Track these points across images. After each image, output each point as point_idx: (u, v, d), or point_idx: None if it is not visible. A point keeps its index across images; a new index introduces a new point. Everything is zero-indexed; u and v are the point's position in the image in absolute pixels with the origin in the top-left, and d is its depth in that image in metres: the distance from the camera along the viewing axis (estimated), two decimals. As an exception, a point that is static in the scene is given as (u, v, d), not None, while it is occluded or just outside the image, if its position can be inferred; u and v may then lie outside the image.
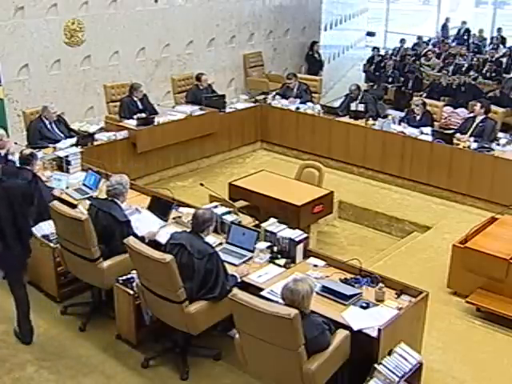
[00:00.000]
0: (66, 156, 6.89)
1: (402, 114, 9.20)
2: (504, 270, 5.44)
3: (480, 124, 8.23)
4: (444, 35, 17.65)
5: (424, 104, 8.78)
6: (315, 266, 4.92)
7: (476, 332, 5.37)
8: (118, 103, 8.85)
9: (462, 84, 11.67)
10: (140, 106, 8.76)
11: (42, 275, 5.71)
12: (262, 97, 10.06)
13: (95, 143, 7.79)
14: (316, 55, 13.58)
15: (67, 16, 9.21)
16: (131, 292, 4.87)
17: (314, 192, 6.68)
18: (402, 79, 12.88)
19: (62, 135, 7.77)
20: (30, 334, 5.10)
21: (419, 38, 16.65)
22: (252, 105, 9.81)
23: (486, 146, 7.80)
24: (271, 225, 5.25)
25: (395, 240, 7.32)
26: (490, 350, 5.11)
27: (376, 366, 4.06)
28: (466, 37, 17.14)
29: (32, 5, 8.79)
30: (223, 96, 9.56)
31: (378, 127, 8.57)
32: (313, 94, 10.24)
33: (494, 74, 12.91)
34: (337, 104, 10.32)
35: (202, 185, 6.50)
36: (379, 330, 4.06)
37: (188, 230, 4.83)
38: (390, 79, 13.05)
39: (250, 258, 5.06)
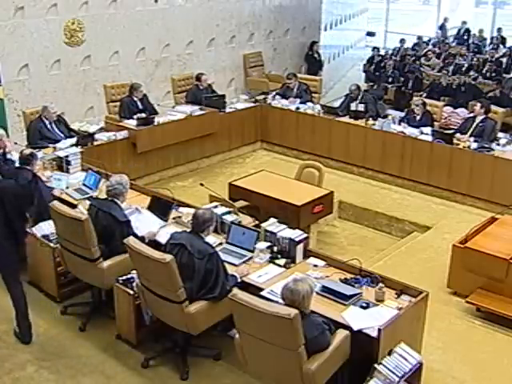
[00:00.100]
0: (66, 156, 6.89)
1: (402, 114, 9.20)
2: (504, 270, 5.44)
3: (480, 124, 8.23)
4: (442, 35, 17.65)
5: (424, 104, 8.78)
6: (315, 265, 4.92)
7: (476, 332, 5.37)
8: (118, 103, 8.85)
9: (462, 84, 11.67)
10: (140, 106, 8.76)
11: (42, 275, 5.72)
12: (262, 97, 10.06)
13: (95, 143, 7.79)
14: (316, 55, 13.58)
15: (67, 16, 9.21)
16: (131, 292, 4.87)
17: (314, 192, 6.68)
18: (402, 79, 12.88)
19: (62, 135, 7.77)
20: (29, 332, 5.10)
21: (419, 38, 16.64)
22: (252, 105, 9.81)
23: (486, 145, 7.80)
24: (271, 225, 5.25)
25: (395, 240, 7.32)
26: (490, 350, 5.11)
27: (376, 366, 4.06)
28: (466, 37, 17.13)
29: (32, 5, 8.80)
30: (223, 96, 9.56)
31: (378, 127, 8.57)
32: (313, 94, 10.24)
33: (493, 74, 12.90)
34: (337, 104, 10.32)
35: (202, 185, 6.50)
36: (379, 330, 4.06)
37: (188, 230, 4.83)
38: (390, 79, 13.05)
39: (250, 258, 5.06)
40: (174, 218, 5.72)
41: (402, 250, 6.82)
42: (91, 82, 9.70)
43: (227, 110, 9.41)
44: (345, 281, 4.66)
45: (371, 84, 13.68)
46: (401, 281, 4.64)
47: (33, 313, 5.32)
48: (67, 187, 6.43)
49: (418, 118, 8.65)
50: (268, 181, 7.03)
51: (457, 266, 5.76)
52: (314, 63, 13.52)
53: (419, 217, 7.51)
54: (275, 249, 5.08)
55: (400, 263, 6.43)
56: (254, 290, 4.58)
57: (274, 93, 10.27)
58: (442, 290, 5.83)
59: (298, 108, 9.48)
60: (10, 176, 5.88)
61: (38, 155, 6.19)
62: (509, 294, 5.47)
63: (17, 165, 6.10)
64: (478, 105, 8.34)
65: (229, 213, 5.60)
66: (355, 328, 4.13)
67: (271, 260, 5.02)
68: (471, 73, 12.94)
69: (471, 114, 8.63)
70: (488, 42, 16.66)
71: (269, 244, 5.12)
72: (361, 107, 9.14)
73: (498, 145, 7.89)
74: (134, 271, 4.85)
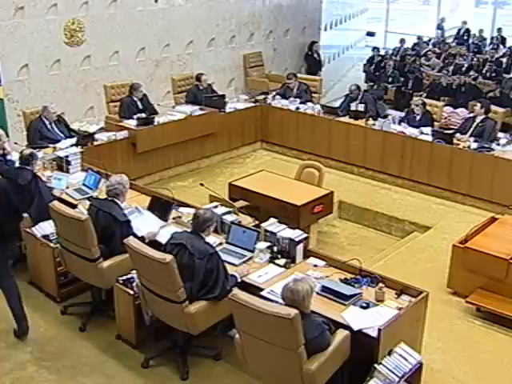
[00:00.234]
0: (66, 156, 6.89)
1: (402, 114, 9.20)
2: (504, 270, 5.44)
3: (480, 124, 8.23)
4: (439, 35, 17.67)
5: (424, 104, 8.78)
6: (315, 265, 4.92)
7: (476, 332, 5.37)
8: (118, 103, 8.85)
9: (462, 84, 11.67)
10: (140, 106, 8.76)
11: (42, 275, 5.72)
12: (262, 97, 10.05)
13: (95, 143, 7.78)
14: (315, 55, 13.58)
15: (67, 16, 9.22)
16: (131, 292, 4.87)
17: (314, 192, 6.68)
18: (402, 79, 12.89)
19: (62, 135, 7.77)
20: (25, 324, 5.10)
21: (419, 38, 16.66)
22: (252, 105, 9.80)
23: (486, 145, 7.80)
24: (271, 225, 5.25)
25: (395, 240, 7.32)
26: (490, 350, 5.11)
27: (376, 365, 4.06)
28: (465, 37, 17.14)
29: (32, 5, 8.80)
30: (223, 96, 9.57)
31: (378, 127, 8.57)
32: (313, 94, 10.24)
33: (493, 74, 12.92)
34: (337, 104, 10.33)
35: (202, 185, 6.50)
36: (379, 330, 4.06)
37: (188, 230, 4.83)
38: (390, 79, 13.05)
39: (250, 258, 5.06)
40: (174, 218, 5.72)
41: (402, 250, 6.82)
42: (91, 82, 9.70)
43: (227, 110, 9.41)
44: (345, 281, 4.66)
45: (371, 84, 13.69)
46: (401, 281, 4.64)
47: (33, 313, 5.34)
48: (67, 187, 6.42)
49: (417, 118, 8.65)
50: (268, 181, 7.03)
51: (457, 266, 5.76)
52: (313, 63, 13.52)
53: (419, 217, 7.51)
54: (275, 249, 5.08)
55: (400, 263, 6.43)
56: (254, 289, 4.58)
57: (274, 93, 10.26)
58: (442, 290, 5.83)
59: (297, 108, 9.47)
60: (9, 176, 5.89)
61: (38, 155, 6.20)
62: (509, 294, 5.47)
63: (17, 165, 6.11)
64: (478, 105, 8.34)
65: (229, 213, 5.60)
66: (355, 328, 4.13)
67: (271, 260, 5.01)
68: (471, 73, 12.95)
69: (471, 114, 8.64)
70: (488, 41, 16.67)
71: (269, 244, 5.12)
72: (361, 107, 9.14)
73: (498, 145, 7.89)
74: (134, 271, 4.85)
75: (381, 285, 4.51)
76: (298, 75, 10.48)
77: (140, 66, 10.38)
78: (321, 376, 3.91)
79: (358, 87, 9.58)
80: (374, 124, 8.64)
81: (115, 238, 5.05)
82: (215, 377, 4.75)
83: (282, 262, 4.96)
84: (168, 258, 4.35)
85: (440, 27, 18.28)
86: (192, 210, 5.42)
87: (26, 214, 5.78)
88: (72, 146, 7.38)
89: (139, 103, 8.77)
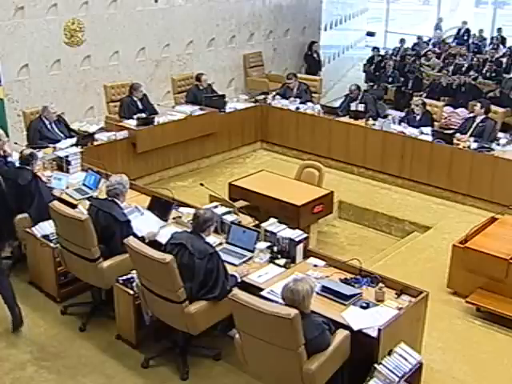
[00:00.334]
0: (66, 156, 6.89)
1: (402, 114, 9.20)
2: (504, 270, 5.44)
3: (480, 124, 8.23)
4: (436, 36, 17.67)
5: (424, 104, 8.78)
6: (315, 265, 4.92)
7: (476, 332, 5.37)
8: (118, 103, 8.85)
9: (462, 84, 11.67)
10: (140, 106, 8.76)
11: (42, 275, 5.72)
12: (262, 97, 10.05)
13: (95, 143, 7.78)
14: (315, 55, 13.58)
15: (67, 16, 9.22)
16: (131, 292, 4.87)
17: (314, 192, 6.68)
18: (402, 79, 12.89)
19: (62, 135, 7.77)
20: (18, 311, 5.14)
21: (419, 38, 16.66)
22: (252, 105, 9.80)
23: (486, 146, 7.80)
24: (271, 225, 5.25)
25: (395, 240, 7.32)
26: (490, 349, 5.11)
27: (376, 365, 4.06)
28: (466, 37, 17.14)
29: (32, 5, 8.80)
30: (223, 96, 9.56)
31: (378, 127, 8.57)
32: (313, 94, 10.24)
33: (493, 74, 12.92)
34: (337, 104, 10.33)
35: (202, 185, 6.50)
36: (379, 330, 4.06)
37: (189, 230, 4.83)
38: (390, 79, 13.05)
39: (250, 258, 5.06)
40: (174, 218, 5.72)
41: (402, 250, 6.82)
42: (91, 82, 9.70)
43: (227, 110, 9.41)
44: (345, 281, 4.66)
45: (371, 84, 13.69)
46: (401, 281, 4.64)
47: (33, 313, 5.34)
48: (67, 187, 6.43)
49: (417, 117, 8.65)
50: (268, 181, 7.02)
51: (457, 266, 5.76)
52: (313, 63, 13.52)
53: (419, 217, 7.51)
54: (275, 249, 5.08)
55: (400, 263, 6.43)
56: (254, 290, 4.58)
57: (274, 93, 10.27)
58: (442, 290, 5.83)
59: (297, 108, 9.47)
60: (9, 176, 5.89)
61: (38, 155, 6.21)
62: (509, 294, 5.47)
63: (17, 165, 6.11)
64: (478, 105, 8.34)
65: (229, 213, 5.60)
66: (355, 328, 4.13)
67: (271, 260, 5.01)
68: (471, 73, 12.95)
69: (471, 114, 8.64)
70: (488, 41, 16.67)
71: (269, 244, 5.12)
72: (361, 107, 9.14)
73: (498, 145, 7.89)
74: (134, 271, 4.85)
75: (381, 285, 4.51)
76: (298, 75, 10.48)
77: (140, 66, 10.38)
78: (321, 376, 3.91)
79: (358, 87, 9.57)
80: (373, 124, 8.64)
81: (115, 238, 5.05)
82: (215, 377, 4.75)
83: (281, 262, 4.96)
84: (168, 257, 4.35)
85: (438, 27, 18.27)
86: (192, 210, 5.42)
87: (26, 214, 5.80)
88: (72, 145, 7.38)
89: (139, 103, 8.77)
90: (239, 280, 4.71)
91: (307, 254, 5.06)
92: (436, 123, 8.97)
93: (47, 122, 7.70)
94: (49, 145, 7.48)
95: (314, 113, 9.29)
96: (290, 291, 3.85)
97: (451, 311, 5.62)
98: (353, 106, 9.22)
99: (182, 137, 8.68)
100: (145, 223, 5.49)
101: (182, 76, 10.17)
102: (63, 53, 9.29)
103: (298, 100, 9.70)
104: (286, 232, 5.12)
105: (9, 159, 6.49)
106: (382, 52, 15.58)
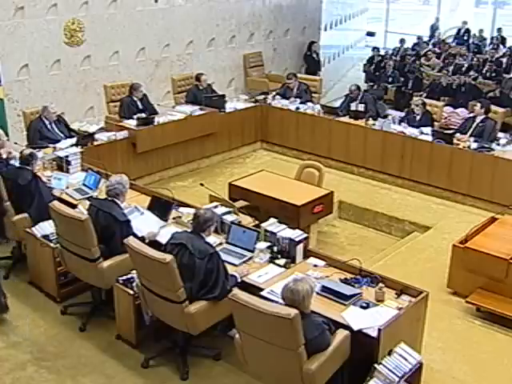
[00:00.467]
0: (66, 156, 6.89)
1: (402, 114, 9.20)
2: (504, 270, 5.44)
3: (480, 124, 8.23)
4: (432, 35, 17.67)
5: (424, 104, 8.78)
6: (315, 265, 4.92)
7: (476, 332, 5.37)
8: (118, 103, 8.85)
9: (462, 84, 11.67)
10: (140, 106, 8.76)
11: (42, 275, 5.72)
12: (262, 97, 10.05)
13: (95, 143, 7.78)
14: (314, 55, 13.57)
15: (67, 16, 9.22)
16: (131, 292, 4.87)
17: (314, 192, 6.68)
18: (402, 79, 12.89)
19: (62, 135, 7.77)
20: (4, 301, 5.21)
21: (419, 38, 16.66)
22: (252, 105, 9.80)
23: (486, 146, 7.80)
24: (271, 225, 5.25)
25: (395, 240, 7.32)
26: (490, 349, 5.11)
27: (376, 365, 4.06)
28: (466, 37, 17.14)
29: (32, 5, 8.80)
30: (223, 96, 9.56)
31: (378, 127, 8.57)
32: (313, 94, 10.24)
33: (493, 74, 12.91)
34: (337, 104, 10.33)
35: (202, 185, 6.50)
36: (379, 330, 4.06)
37: (189, 230, 4.83)
38: (390, 79, 13.05)
39: (250, 258, 5.06)
40: (174, 218, 5.72)
41: (402, 250, 6.82)
42: (91, 82, 9.70)
43: (227, 110, 9.40)
44: (345, 281, 4.66)
45: (371, 84, 13.69)
46: (401, 281, 4.64)
47: (33, 313, 5.34)
48: (67, 187, 6.42)
49: (417, 117, 8.65)
50: (268, 181, 7.03)
51: (457, 266, 5.76)
52: (312, 63, 13.52)
53: (419, 217, 7.51)
54: (275, 249, 5.08)
55: (400, 263, 6.43)
56: (254, 290, 4.58)
57: (274, 93, 10.27)
58: (442, 290, 5.83)
59: (297, 108, 9.47)
60: (9, 176, 5.89)
61: (38, 155, 6.21)
62: (509, 294, 5.47)
63: (17, 165, 6.11)
64: (478, 105, 8.34)
65: (229, 213, 5.59)
66: (355, 328, 4.13)
67: (271, 260, 5.01)
68: (471, 73, 12.95)
69: (471, 114, 8.64)
70: (488, 41, 16.67)
71: (269, 244, 5.12)
72: (361, 107, 9.14)
73: (498, 145, 7.89)
74: (134, 271, 4.85)
75: (381, 285, 4.51)
76: (298, 75, 10.48)
77: (140, 66, 10.38)
78: (321, 376, 3.91)
79: (358, 87, 9.58)
80: (374, 124, 8.64)
81: (115, 238, 5.05)
82: (215, 377, 4.75)
83: (282, 261, 4.96)
84: (168, 257, 4.35)
85: (435, 27, 18.26)
86: (192, 210, 5.42)
87: (26, 214, 5.80)
88: (72, 146, 7.38)
89: (139, 103, 8.77)
90: (239, 280, 4.71)
91: (307, 254, 5.06)
92: (436, 123, 8.97)
93: (47, 122, 7.70)
94: (49, 145, 7.48)
95: (314, 113, 9.28)
96: (290, 291, 3.85)
97: (451, 311, 5.62)
98: (353, 106, 9.22)
99: (182, 137, 8.68)
100: (145, 223, 5.49)
101: (182, 76, 10.17)
102: (63, 53, 9.29)
103: (298, 100, 9.70)
104: (285, 232, 5.12)
105: (12, 162, 6.47)
106: (382, 52, 15.58)
